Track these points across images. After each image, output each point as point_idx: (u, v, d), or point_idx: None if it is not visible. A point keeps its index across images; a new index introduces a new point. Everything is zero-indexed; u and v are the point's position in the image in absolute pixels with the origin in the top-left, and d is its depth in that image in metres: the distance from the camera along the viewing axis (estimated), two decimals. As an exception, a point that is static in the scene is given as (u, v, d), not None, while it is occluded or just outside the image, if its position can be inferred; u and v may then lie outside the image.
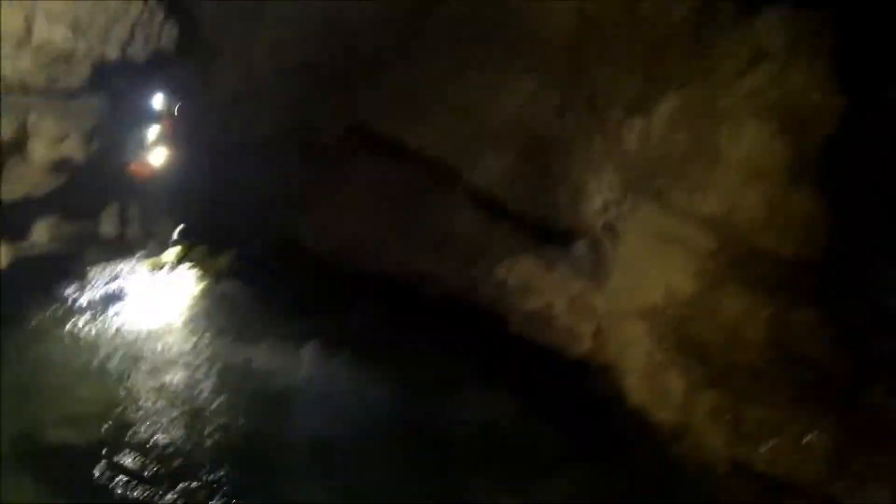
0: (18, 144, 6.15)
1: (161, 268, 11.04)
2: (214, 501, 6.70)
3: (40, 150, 6.41)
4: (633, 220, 9.05)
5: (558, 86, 10.31)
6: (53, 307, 9.48)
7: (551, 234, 10.58)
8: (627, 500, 7.75)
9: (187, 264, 11.33)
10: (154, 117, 11.23)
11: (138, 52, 6.77)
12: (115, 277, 10.50)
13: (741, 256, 7.83)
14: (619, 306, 9.42)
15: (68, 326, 9.19)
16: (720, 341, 8.08)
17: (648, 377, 8.73)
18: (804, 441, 7.01)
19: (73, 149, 6.67)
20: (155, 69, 8.91)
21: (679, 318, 8.53)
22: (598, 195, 9.87)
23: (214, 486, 6.90)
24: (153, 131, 11.26)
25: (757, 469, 7.34)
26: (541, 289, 10.43)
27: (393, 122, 12.15)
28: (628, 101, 9.19)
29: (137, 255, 11.26)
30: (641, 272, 8.97)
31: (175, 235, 11.45)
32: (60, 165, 6.92)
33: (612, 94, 9.44)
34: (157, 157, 11.42)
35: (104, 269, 10.63)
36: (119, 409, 7.83)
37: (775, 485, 7.17)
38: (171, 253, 11.29)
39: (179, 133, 11.73)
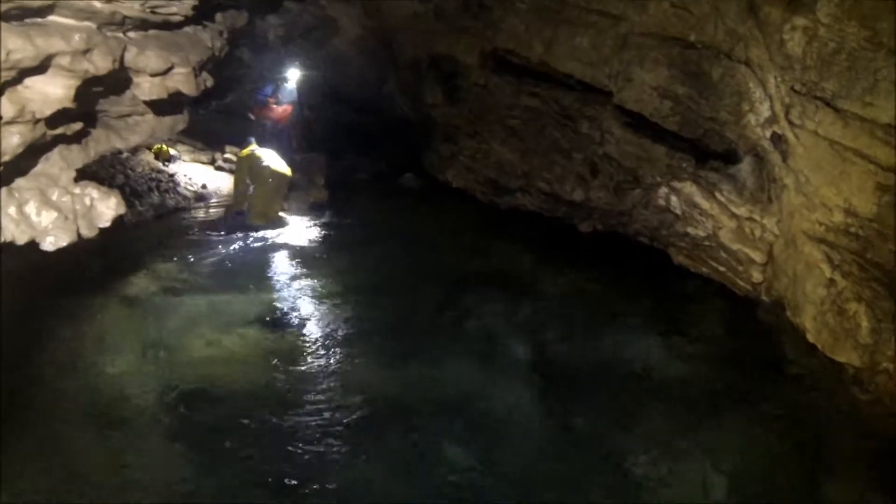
0: (121, 82, 5.89)
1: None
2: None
3: (145, 87, 6.15)
4: (804, 130, 7.89)
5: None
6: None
7: (712, 155, 9.51)
8: (801, 445, 6.89)
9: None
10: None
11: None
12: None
13: (931, 168, 6.57)
14: (792, 230, 8.36)
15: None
16: (912, 268, 6.94)
17: (828, 312, 7.72)
18: None
19: (180, 83, 6.34)
20: (267, 7, 8.61)
21: (861, 242, 7.43)
22: (764, 105, 8.70)
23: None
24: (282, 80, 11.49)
25: (957, 419, 6.30)
26: (704, 215, 9.51)
27: (531, 43, 11.43)
28: (789, -6, 7.90)
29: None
30: (815, 189, 7.86)
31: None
32: (170, 109, 6.70)
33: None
34: (284, 103, 11.64)
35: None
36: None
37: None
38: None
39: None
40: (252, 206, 10.97)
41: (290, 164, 11.53)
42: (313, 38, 11.41)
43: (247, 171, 10.92)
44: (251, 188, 10.87)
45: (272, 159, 10.99)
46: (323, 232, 11.08)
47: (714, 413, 7.19)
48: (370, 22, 12.28)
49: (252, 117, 11.82)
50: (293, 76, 11.81)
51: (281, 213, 11.27)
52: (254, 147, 11.12)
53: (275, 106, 11.86)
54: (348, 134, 13.20)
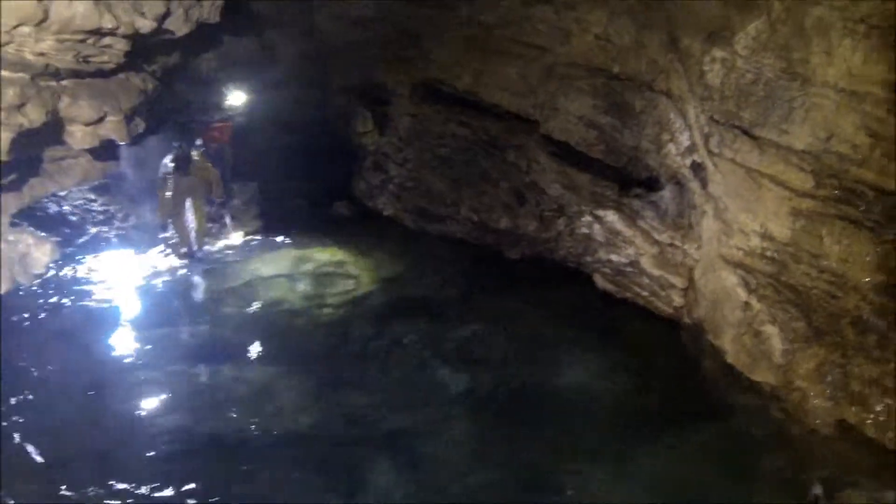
0: (54, 131, 5.84)
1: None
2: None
3: (78, 135, 6.09)
4: (722, 159, 8.18)
5: (632, 15, 9.40)
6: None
7: (635, 182, 9.77)
8: (724, 463, 7.02)
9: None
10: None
11: (179, 24, 6.25)
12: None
13: (841, 193, 6.89)
14: (710, 255, 8.62)
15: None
16: (823, 289, 7.21)
17: (745, 334, 7.95)
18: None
19: (112, 131, 6.29)
20: (201, 43, 8.56)
21: (776, 266, 7.70)
22: (684, 134, 9.01)
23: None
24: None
25: (866, 433, 6.52)
26: (626, 242, 9.72)
27: (460, 74, 11.65)
28: (708, 29, 8.24)
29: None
30: (733, 215, 8.14)
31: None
32: (103, 152, 6.65)
33: (690, 21, 8.50)
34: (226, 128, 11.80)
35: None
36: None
37: (886, 450, 6.35)
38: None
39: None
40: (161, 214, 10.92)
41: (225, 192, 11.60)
42: (248, 66, 11.40)
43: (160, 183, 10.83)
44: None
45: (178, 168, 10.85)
46: (257, 263, 10.98)
47: (642, 434, 7.30)
48: (307, 46, 12.33)
49: (199, 141, 11.77)
50: (230, 99, 12.02)
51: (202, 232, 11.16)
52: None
53: (217, 125, 12.09)
54: (283, 157, 13.17)
